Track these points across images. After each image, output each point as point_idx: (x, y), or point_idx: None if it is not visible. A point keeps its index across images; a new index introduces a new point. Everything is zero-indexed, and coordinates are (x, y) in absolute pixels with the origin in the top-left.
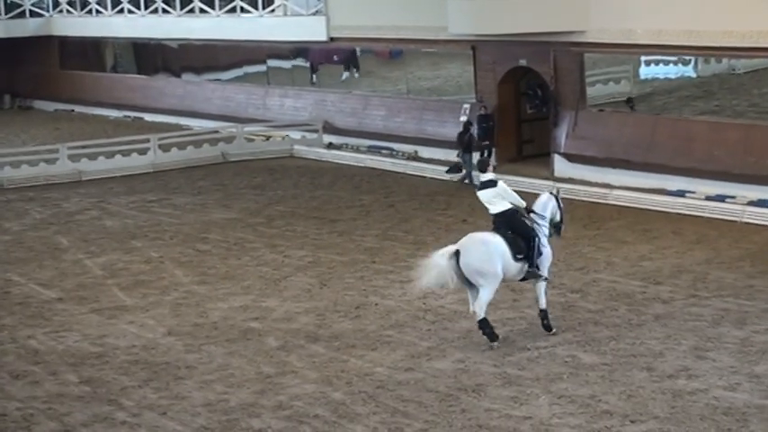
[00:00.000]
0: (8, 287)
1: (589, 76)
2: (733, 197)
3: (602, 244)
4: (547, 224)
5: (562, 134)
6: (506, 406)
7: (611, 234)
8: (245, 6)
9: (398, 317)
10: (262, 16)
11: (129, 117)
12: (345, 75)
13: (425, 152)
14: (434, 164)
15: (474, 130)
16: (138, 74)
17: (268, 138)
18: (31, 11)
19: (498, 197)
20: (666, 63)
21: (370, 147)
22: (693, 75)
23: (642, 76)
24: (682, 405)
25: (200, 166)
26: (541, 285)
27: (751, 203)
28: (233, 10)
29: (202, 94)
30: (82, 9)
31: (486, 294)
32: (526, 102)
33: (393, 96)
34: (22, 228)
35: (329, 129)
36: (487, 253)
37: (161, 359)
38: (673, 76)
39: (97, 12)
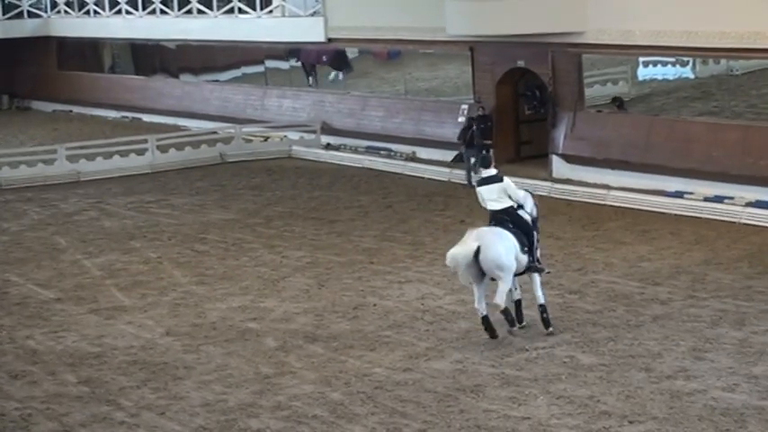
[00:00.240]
0: (6, 287)
1: (587, 78)
2: (731, 198)
3: (600, 245)
4: (530, 220)
5: (560, 135)
6: (505, 406)
7: (610, 235)
8: (243, 7)
9: (397, 317)
10: (259, 17)
11: (127, 118)
12: (332, 75)
13: (423, 153)
14: (432, 165)
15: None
16: (136, 75)
17: (266, 138)
18: (28, 11)
19: (503, 193)
20: (665, 64)
21: (368, 147)
22: (691, 76)
23: (640, 78)
24: (680, 406)
25: (199, 167)
26: (538, 280)
27: (749, 204)
28: (231, 11)
29: (200, 95)
30: (80, 10)
31: (505, 285)
32: (524, 103)
33: (391, 97)
34: (20, 228)
35: (327, 129)
36: (505, 246)
37: (159, 359)
38: (671, 77)
39: (95, 12)
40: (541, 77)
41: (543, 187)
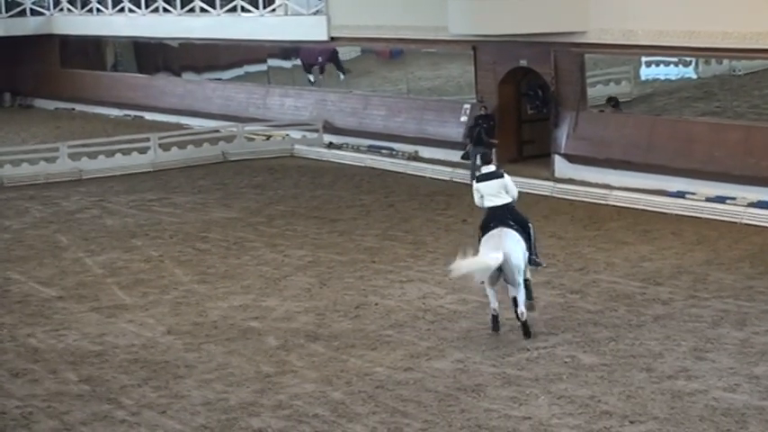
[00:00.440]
0: (8, 285)
1: (590, 77)
2: (733, 198)
3: (602, 245)
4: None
5: (563, 135)
6: (506, 406)
7: (611, 235)
8: (246, 6)
9: (398, 317)
10: (262, 16)
11: (129, 116)
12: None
13: (426, 152)
14: (435, 164)
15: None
16: (139, 73)
17: (268, 137)
18: (31, 9)
19: (503, 189)
20: (667, 64)
21: (370, 146)
22: (694, 76)
23: (643, 77)
24: (681, 406)
25: (201, 166)
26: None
27: (751, 205)
28: (234, 9)
29: (203, 94)
30: (82, 8)
31: (521, 289)
32: (527, 102)
33: (393, 96)
34: (22, 226)
35: (329, 128)
36: (522, 250)
37: (160, 358)
38: (673, 77)
39: (98, 10)
40: (544, 77)
41: (545, 187)
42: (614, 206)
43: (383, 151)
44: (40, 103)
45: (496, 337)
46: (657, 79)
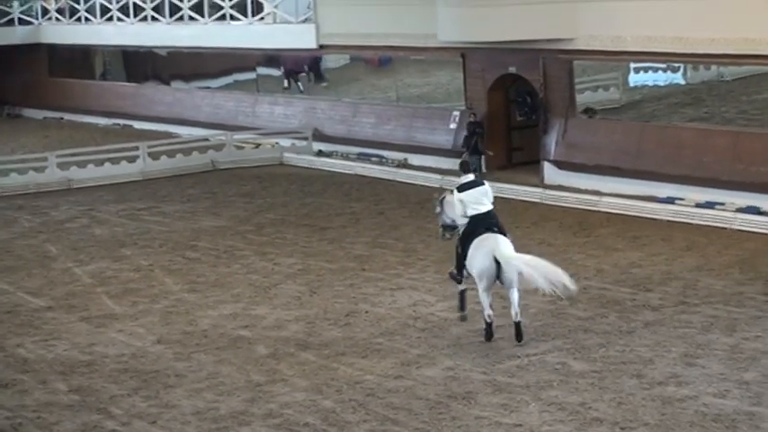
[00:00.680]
0: None
1: (578, 84)
2: (722, 204)
3: (591, 251)
4: None
5: (552, 141)
6: (496, 413)
7: (601, 241)
8: (234, 14)
9: (388, 324)
10: (251, 24)
11: (118, 125)
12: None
13: (415, 159)
14: (424, 171)
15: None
16: (128, 81)
17: (258, 145)
18: (19, 18)
19: (485, 196)
20: (655, 70)
21: (359, 154)
22: (682, 82)
23: (631, 84)
24: (671, 412)
25: (190, 174)
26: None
27: (740, 210)
28: (222, 18)
29: (192, 102)
30: (71, 17)
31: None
32: (515, 109)
33: (383, 104)
34: (10, 236)
35: (319, 136)
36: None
37: (150, 367)
38: (662, 84)
39: (86, 19)
40: (533, 84)
41: (535, 194)
42: (604, 212)
43: (373, 159)
44: (29, 112)
45: (487, 344)
46: (646, 85)
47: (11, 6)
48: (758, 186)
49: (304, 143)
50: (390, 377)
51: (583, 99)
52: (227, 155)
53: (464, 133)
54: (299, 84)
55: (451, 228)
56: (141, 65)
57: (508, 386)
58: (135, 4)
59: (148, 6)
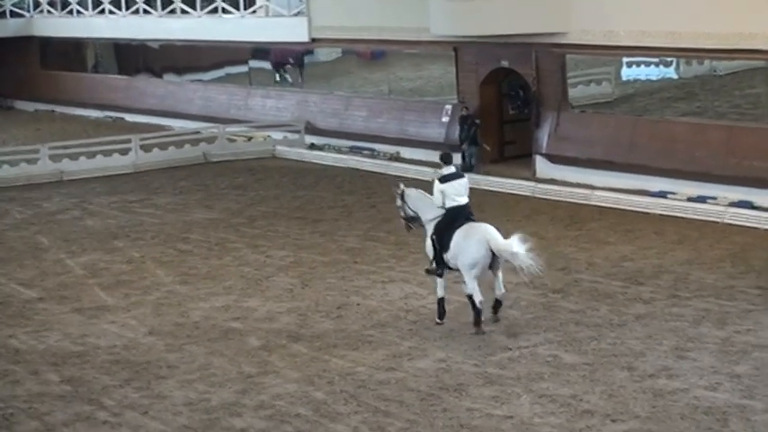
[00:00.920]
0: None
1: (571, 78)
2: (714, 198)
3: (583, 244)
4: None
5: (544, 135)
6: (488, 405)
7: (593, 235)
8: (227, 7)
9: (380, 317)
10: (243, 17)
11: (110, 117)
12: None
13: (407, 153)
14: (416, 165)
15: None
16: (120, 74)
17: (250, 138)
18: (11, 11)
19: (465, 189)
20: (648, 65)
21: (351, 147)
22: (675, 76)
23: (624, 78)
24: (662, 404)
25: (182, 167)
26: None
27: (732, 204)
28: (214, 11)
29: (184, 95)
30: (62, 9)
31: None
32: (508, 103)
33: (375, 97)
34: (2, 228)
35: (311, 129)
36: None
37: (142, 358)
38: (654, 78)
39: (78, 12)
40: (525, 78)
41: (527, 187)
42: (596, 206)
43: (365, 152)
44: (21, 104)
45: (479, 336)
46: (639, 80)
47: None
48: (751, 181)
49: (296, 136)
50: (382, 369)
51: (576, 93)
52: (220, 148)
53: (457, 127)
54: (287, 75)
55: (414, 219)
56: (133, 57)
57: (499, 378)
58: None
59: None
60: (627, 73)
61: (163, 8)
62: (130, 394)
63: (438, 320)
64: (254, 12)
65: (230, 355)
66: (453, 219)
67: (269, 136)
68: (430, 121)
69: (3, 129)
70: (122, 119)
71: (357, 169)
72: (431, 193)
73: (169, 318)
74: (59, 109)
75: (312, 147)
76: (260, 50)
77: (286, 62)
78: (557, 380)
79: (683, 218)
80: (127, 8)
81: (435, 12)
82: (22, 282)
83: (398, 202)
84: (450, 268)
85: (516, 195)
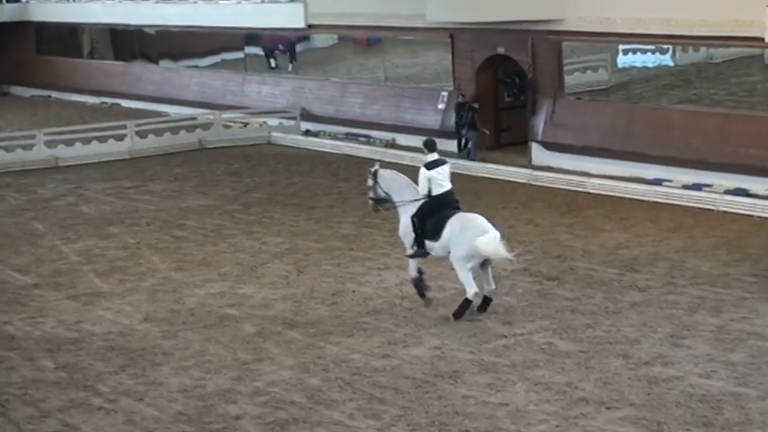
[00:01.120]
0: None
1: (567, 65)
2: (710, 186)
3: (579, 232)
4: None
5: (540, 122)
6: (483, 393)
7: (589, 222)
8: None
9: (375, 304)
10: (239, 2)
11: (106, 103)
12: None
13: (403, 140)
14: (412, 151)
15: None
16: (116, 60)
17: (245, 125)
18: None
19: (448, 175)
20: (644, 52)
21: (347, 134)
22: (671, 63)
23: (620, 65)
24: (657, 392)
25: (178, 153)
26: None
27: (728, 192)
28: None
29: (180, 81)
30: None
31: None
32: (504, 90)
33: (371, 84)
34: None
35: (307, 116)
36: None
37: (137, 345)
38: (650, 65)
39: None
40: (521, 64)
41: (522, 174)
42: (591, 193)
43: (360, 139)
44: (17, 90)
45: (474, 324)
46: (635, 67)
47: None
48: (746, 168)
49: (292, 123)
50: (377, 356)
51: (572, 80)
52: (215, 134)
53: (453, 114)
54: (274, 61)
55: (384, 201)
56: (129, 43)
57: (495, 366)
58: None
59: None
60: (623, 60)
61: None
62: (125, 381)
63: (424, 298)
64: None
65: (225, 342)
66: (441, 206)
67: (265, 122)
68: (426, 107)
69: None
70: (118, 105)
71: (353, 156)
72: (416, 180)
73: (164, 304)
74: (55, 95)
75: (308, 133)
76: (252, 36)
77: (276, 48)
78: (552, 367)
79: (678, 205)
80: None
81: None
82: (17, 268)
83: (369, 182)
84: (428, 254)
85: (512, 182)
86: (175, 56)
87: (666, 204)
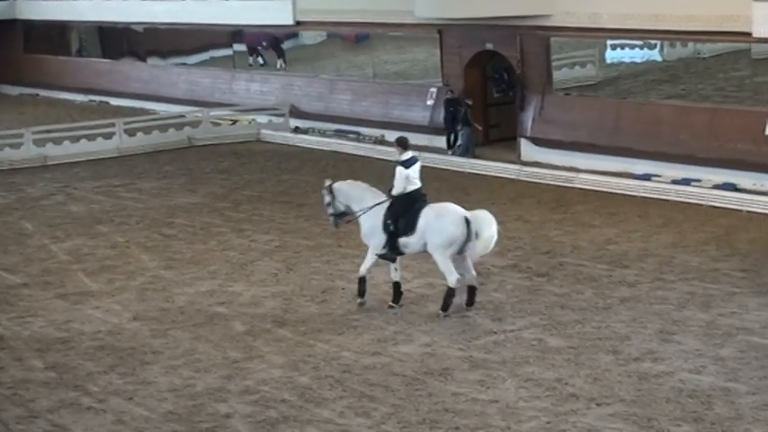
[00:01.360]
0: None
1: (555, 60)
2: (699, 181)
3: (568, 228)
4: None
5: (528, 118)
6: (473, 389)
7: (578, 218)
8: None
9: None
10: (227, 0)
11: (94, 101)
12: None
13: (392, 136)
14: None
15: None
16: (104, 58)
17: (234, 122)
18: None
19: (419, 172)
20: (632, 47)
21: (336, 131)
22: (659, 59)
23: (608, 60)
24: (647, 388)
25: (166, 151)
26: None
27: (716, 187)
28: None
29: (168, 79)
30: None
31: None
32: (492, 86)
33: (359, 80)
34: None
35: (296, 113)
36: None
37: (127, 344)
38: (638, 60)
39: None
40: (509, 60)
41: (511, 170)
42: (580, 189)
43: (349, 135)
44: (4, 88)
45: (464, 320)
46: (623, 62)
47: None
48: (734, 163)
49: (281, 120)
50: (367, 354)
51: (560, 76)
52: (204, 131)
53: (442, 110)
54: (261, 58)
55: (344, 214)
56: (117, 41)
57: (485, 362)
58: None
59: None
60: (611, 55)
61: None
62: (115, 380)
63: (392, 304)
64: None
65: (215, 341)
66: (413, 201)
67: (254, 119)
68: (414, 104)
69: None
70: (107, 103)
71: (342, 153)
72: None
73: (154, 303)
74: (43, 93)
75: (297, 130)
76: (239, 33)
77: (259, 45)
78: (542, 364)
79: (667, 200)
80: None
81: None
82: (5, 267)
83: (327, 199)
84: (401, 253)
85: (501, 178)
86: (163, 53)
87: (655, 199)
